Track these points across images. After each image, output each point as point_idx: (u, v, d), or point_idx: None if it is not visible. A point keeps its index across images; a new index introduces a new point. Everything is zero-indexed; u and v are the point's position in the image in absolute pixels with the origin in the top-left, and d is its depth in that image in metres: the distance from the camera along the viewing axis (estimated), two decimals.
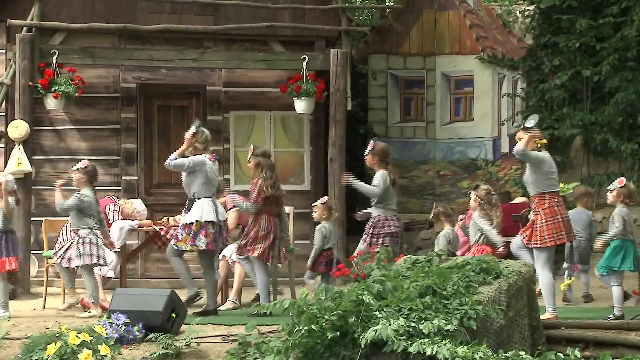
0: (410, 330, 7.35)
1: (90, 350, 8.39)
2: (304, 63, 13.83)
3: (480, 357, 7.17)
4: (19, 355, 8.62)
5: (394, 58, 16.08)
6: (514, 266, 8.51)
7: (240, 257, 11.11)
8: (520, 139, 9.88)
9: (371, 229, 11.04)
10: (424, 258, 8.84)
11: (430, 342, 7.23)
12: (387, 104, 16.06)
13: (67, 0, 13.84)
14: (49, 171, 13.86)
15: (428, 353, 7.17)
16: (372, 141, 11.47)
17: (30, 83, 13.08)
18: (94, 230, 10.98)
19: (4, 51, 13.71)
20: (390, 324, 7.32)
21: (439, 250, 9.21)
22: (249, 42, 14.39)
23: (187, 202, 10.87)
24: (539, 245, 9.75)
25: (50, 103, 13.27)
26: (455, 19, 15.88)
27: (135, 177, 14.22)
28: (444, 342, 7.22)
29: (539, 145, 9.99)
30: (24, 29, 13.34)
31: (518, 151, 9.83)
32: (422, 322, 7.40)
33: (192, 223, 10.68)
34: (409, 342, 7.25)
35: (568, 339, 8.60)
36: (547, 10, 14.78)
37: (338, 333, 7.45)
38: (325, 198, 11.57)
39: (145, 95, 14.38)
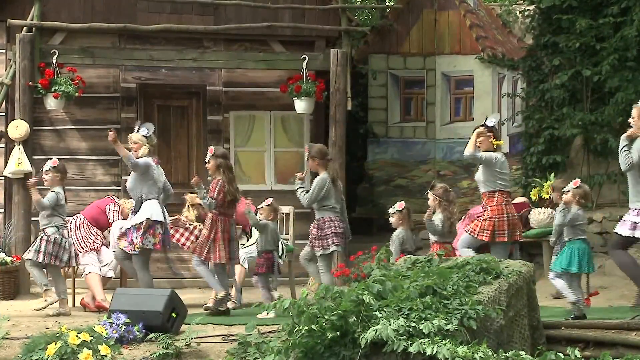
0: (411, 330, 7.36)
1: (91, 350, 8.40)
2: (304, 63, 13.83)
3: (480, 357, 7.17)
4: (19, 355, 8.62)
5: (394, 58, 16.08)
6: (514, 266, 8.52)
7: (199, 259, 11.04)
8: (479, 135, 10.11)
9: (317, 231, 11.01)
10: (424, 258, 8.85)
11: (430, 342, 7.23)
12: (387, 104, 16.05)
13: (67, 0, 13.84)
14: None
15: (428, 353, 7.17)
16: (306, 146, 11.41)
17: (30, 83, 13.08)
18: (60, 230, 11.03)
19: (4, 51, 13.72)
20: (390, 324, 7.32)
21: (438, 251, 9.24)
22: (249, 42, 14.39)
23: (134, 204, 11.02)
24: (475, 235, 9.96)
25: (50, 103, 13.27)
26: (455, 18, 15.88)
27: None
28: (444, 342, 7.22)
29: (495, 145, 10.15)
30: (24, 28, 13.34)
31: (466, 156, 10.29)
32: (422, 322, 7.41)
33: (142, 222, 10.77)
34: (409, 342, 7.26)
35: (568, 338, 8.61)
36: (547, 10, 14.77)
37: (338, 333, 7.45)
38: (270, 200, 11.51)
39: (145, 95, 14.38)
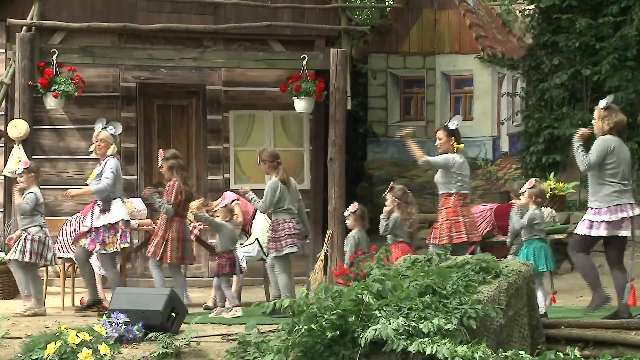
0: (410, 329, 7.36)
1: (90, 350, 8.39)
2: (304, 62, 13.82)
3: (480, 356, 7.17)
4: (19, 355, 8.62)
5: (393, 57, 16.09)
6: (513, 265, 8.52)
7: (155, 262, 11.04)
8: (439, 139, 10.45)
9: (272, 233, 10.98)
10: (424, 257, 8.85)
11: (429, 341, 7.23)
12: (387, 103, 16.06)
13: (66, 0, 13.84)
14: (48, 170, 13.85)
15: (428, 352, 7.17)
16: (257, 150, 11.40)
17: (30, 82, 13.07)
18: (44, 229, 11.05)
19: (4, 51, 13.72)
20: (390, 323, 7.32)
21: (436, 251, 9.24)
22: (248, 42, 14.39)
23: (102, 203, 10.93)
24: (436, 242, 10.17)
25: (50, 102, 13.27)
26: (455, 18, 15.89)
27: (135, 177, 14.22)
28: (443, 341, 7.22)
29: (455, 149, 10.27)
30: (24, 28, 13.34)
31: (422, 165, 10.65)
32: (421, 321, 7.41)
33: (118, 222, 10.79)
34: (409, 342, 7.26)
35: (568, 338, 8.61)
36: (546, 10, 14.79)
37: (338, 332, 7.45)
38: (226, 202, 11.51)
39: (145, 94, 14.38)
